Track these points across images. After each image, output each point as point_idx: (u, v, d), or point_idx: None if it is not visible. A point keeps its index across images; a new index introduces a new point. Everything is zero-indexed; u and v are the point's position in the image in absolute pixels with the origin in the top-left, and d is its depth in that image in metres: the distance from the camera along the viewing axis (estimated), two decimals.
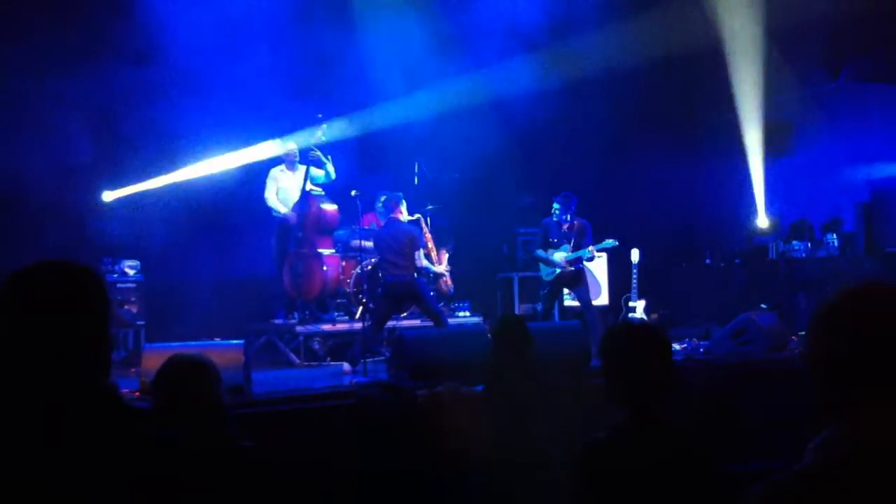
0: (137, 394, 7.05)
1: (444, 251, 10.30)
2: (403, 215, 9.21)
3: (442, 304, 10.97)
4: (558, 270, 9.99)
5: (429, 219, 10.43)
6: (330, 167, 10.48)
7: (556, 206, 10.07)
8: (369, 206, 10.65)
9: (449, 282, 10.16)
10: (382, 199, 10.29)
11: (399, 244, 9.00)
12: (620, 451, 2.79)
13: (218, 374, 3.38)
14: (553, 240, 10.10)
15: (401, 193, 9.36)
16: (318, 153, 10.41)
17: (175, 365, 3.34)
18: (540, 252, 10.17)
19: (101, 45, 10.27)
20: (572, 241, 10.01)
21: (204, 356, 3.43)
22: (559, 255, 10.00)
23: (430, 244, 10.08)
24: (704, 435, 2.90)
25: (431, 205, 11.05)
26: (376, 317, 9.31)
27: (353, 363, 8.89)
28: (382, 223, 9.80)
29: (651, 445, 2.78)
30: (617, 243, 10.26)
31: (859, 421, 1.84)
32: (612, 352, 2.98)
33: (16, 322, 1.95)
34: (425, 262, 9.17)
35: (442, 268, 9.95)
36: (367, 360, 8.74)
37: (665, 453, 2.76)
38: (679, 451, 2.79)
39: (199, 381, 3.30)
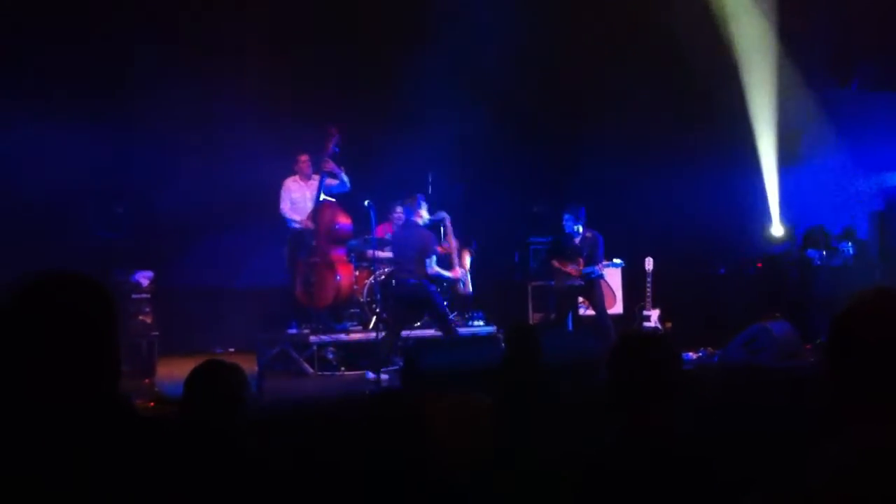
0: (151, 404, 7.08)
1: (466, 251, 10.21)
2: (423, 218, 9.21)
3: (455, 313, 10.96)
4: (573, 282, 10.03)
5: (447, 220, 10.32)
6: (344, 177, 10.51)
7: (565, 216, 10.09)
8: (382, 216, 10.67)
9: (469, 285, 10.07)
10: (399, 209, 10.28)
11: (410, 247, 9.03)
12: (621, 460, 2.80)
13: (246, 379, 3.62)
14: (567, 252, 10.12)
15: (421, 195, 9.37)
16: (332, 164, 10.43)
17: (209, 365, 3.61)
18: (554, 264, 10.20)
19: (118, 56, 10.37)
20: (585, 254, 10.04)
21: (234, 361, 3.68)
22: (571, 269, 10.02)
23: (453, 244, 10.00)
24: (714, 443, 2.89)
25: (444, 214, 11.05)
26: (391, 322, 9.34)
27: (375, 370, 8.91)
28: (400, 224, 9.81)
29: (652, 454, 2.78)
30: (623, 264, 10.34)
31: (872, 429, 1.84)
32: (614, 361, 2.98)
33: (24, 331, 1.97)
34: (437, 269, 9.13)
35: (458, 272, 9.84)
36: (381, 368, 8.76)
37: (667, 462, 2.76)
38: (681, 460, 2.79)
39: (231, 382, 3.52)
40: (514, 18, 11.19)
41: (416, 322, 10.03)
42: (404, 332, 9.71)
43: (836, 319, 1.98)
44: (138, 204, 10.82)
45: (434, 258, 9.05)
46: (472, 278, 10.44)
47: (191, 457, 2.15)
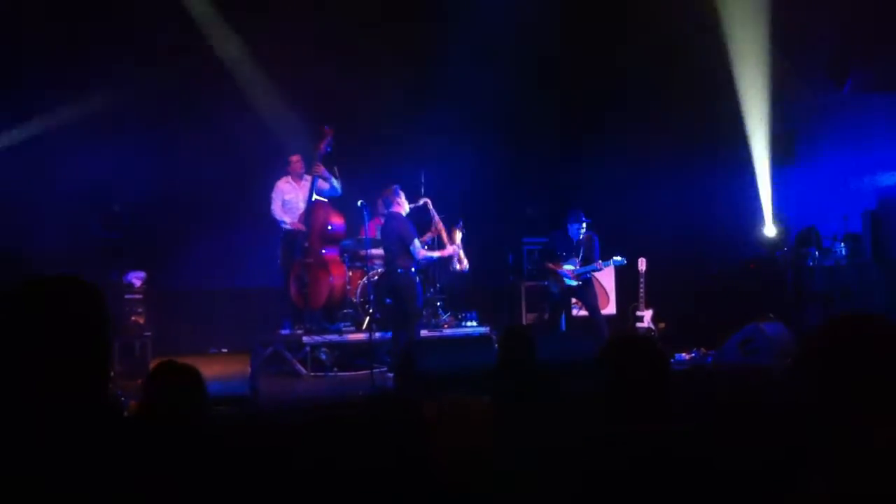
0: None
1: (456, 229, 10.06)
2: (402, 207, 9.12)
3: (449, 314, 10.93)
4: (569, 282, 10.03)
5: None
6: (336, 182, 10.51)
7: (571, 226, 10.07)
8: (376, 216, 10.66)
9: (464, 261, 9.88)
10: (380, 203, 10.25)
11: (391, 238, 8.97)
12: (619, 463, 2.79)
13: (201, 380, 3.55)
14: (562, 253, 10.12)
15: (397, 185, 9.22)
16: (323, 168, 10.43)
17: (164, 369, 3.53)
18: (549, 264, 10.19)
19: (109, 55, 10.36)
20: (581, 254, 10.05)
21: (189, 364, 3.61)
22: (567, 269, 10.02)
23: (440, 226, 9.90)
24: (708, 444, 2.89)
25: (425, 198, 10.99)
26: (401, 318, 9.29)
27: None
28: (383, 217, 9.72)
29: (650, 456, 2.78)
30: (625, 261, 10.29)
31: (869, 436, 1.85)
32: (607, 364, 2.98)
33: (15, 332, 1.97)
34: (424, 253, 9.02)
35: (451, 249, 9.67)
36: (374, 369, 8.74)
37: (665, 464, 2.76)
38: (677, 460, 2.78)
39: (185, 385, 3.46)
40: (511, 21, 11.19)
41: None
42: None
43: (809, 341, 2.08)
44: (133, 205, 10.82)
45: (417, 243, 8.94)
46: (461, 281, 10.37)
47: (179, 457, 2.14)
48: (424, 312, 10.00)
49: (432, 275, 10.58)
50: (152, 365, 8.43)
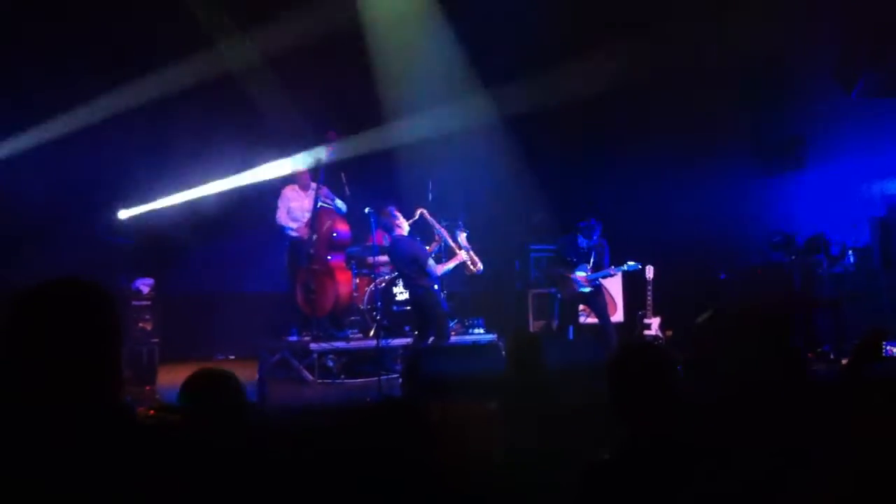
0: (152, 412, 7.05)
1: (460, 232, 9.96)
2: (403, 228, 9.09)
3: (456, 321, 10.92)
4: (580, 289, 10.01)
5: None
6: (339, 203, 10.56)
7: (583, 231, 10.04)
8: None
9: (477, 262, 9.73)
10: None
11: (403, 262, 8.98)
12: (623, 470, 2.79)
13: (240, 384, 3.60)
14: (572, 259, 10.10)
15: (391, 206, 9.15)
16: (325, 189, 10.49)
17: (206, 375, 3.59)
18: (559, 271, 10.16)
19: (116, 64, 10.38)
20: (591, 260, 10.03)
21: (226, 369, 3.65)
22: (578, 275, 10.00)
23: (444, 233, 9.83)
24: (714, 452, 2.88)
25: (444, 221, 11.02)
26: (419, 328, 9.31)
27: None
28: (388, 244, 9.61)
29: (654, 465, 2.78)
30: (639, 266, 10.27)
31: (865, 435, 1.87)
32: (616, 373, 2.98)
33: (27, 337, 1.97)
34: (440, 268, 9.04)
35: (462, 254, 9.54)
36: (381, 376, 8.72)
37: (669, 472, 2.75)
38: (683, 470, 2.78)
39: (222, 389, 3.52)
40: (518, 24, 11.18)
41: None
42: (405, 340, 9.71)
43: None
44: (140, 211, 10.86)
45: (431, 261, 8.97)
46: (468, 289, 10.31)
47: (191, 465, 2.14)
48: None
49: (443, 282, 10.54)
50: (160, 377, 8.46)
